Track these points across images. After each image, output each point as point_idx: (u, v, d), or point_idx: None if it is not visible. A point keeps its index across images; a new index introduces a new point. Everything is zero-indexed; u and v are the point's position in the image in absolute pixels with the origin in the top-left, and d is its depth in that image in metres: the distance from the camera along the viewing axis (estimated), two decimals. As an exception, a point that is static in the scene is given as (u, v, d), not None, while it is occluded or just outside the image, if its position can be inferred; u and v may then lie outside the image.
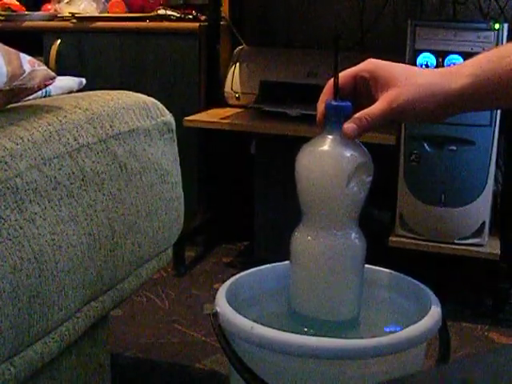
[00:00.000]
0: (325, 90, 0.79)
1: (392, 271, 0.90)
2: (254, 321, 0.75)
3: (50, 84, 0.94)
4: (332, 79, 0.77)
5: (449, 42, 1.71)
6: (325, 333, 0.77)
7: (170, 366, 1.53)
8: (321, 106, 0.78)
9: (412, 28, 1.74)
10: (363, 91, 0.78)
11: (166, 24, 2.17)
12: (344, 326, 0.81)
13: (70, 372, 1.02)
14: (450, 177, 1.75)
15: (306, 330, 0.79)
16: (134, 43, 2.18)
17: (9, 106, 0.91)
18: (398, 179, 1.81)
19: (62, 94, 1.10)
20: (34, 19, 2.31)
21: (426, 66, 1.74)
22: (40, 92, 1.00)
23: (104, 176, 0.94)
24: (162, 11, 2.19)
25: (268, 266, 0.92)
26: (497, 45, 1.67)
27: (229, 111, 2.11)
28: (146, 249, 1.06)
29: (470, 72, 0.74)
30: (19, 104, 0.94)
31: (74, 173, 0.87)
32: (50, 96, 1.07)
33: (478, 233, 1.77)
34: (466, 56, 1.68)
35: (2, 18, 2.30)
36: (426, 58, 1.74)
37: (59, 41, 2.22)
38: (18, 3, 2.39)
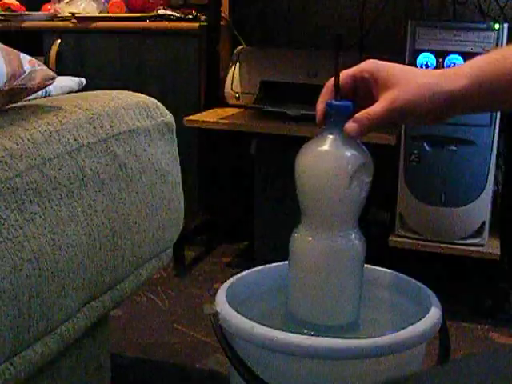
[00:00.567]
0: (324, 90, 0.79)
1: (392, 271, 0.90)
2: (254, 321, 0.75)
3: (50, 84, 0.94)
4: (331, 79, 0.77)
5: (449, 42, 1.71)
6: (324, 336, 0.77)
7: (170, 365, 1.53)
8: (320, 106, 0.78)
9: (412, 28, 1.74)
10: (363, 91, 0.78)
11: (165, 24, 2.17)
12: (344, 331, 0.80)
13: (70, 372, 1.02)
14: (450, 177, 1.75)
15: (305, 331, 0.79)
16: (134, 43, 2.18)
17: (9, 106, 0.91)
18: (398, 179, 1.81)
19: (62, 93, 1.10)
20: (34, 19, 2.31)
21: (426, 65, 1.74)
22: (40, 92, 1.00)
23: (104, 176, 0.94)
24: (162, 11, 2.19)
25: (268, 266, 0.92)
26: (497, 45, 1.67)
27: (229, 111, 2.11)
28: (145, 249, 1.06)
29: (469, 73, 0.74)
30: (19, 104, 0.94)
31: (73, 173, 0.87)
32: (50, 96, 1.07)
33: (478, 233, 1.77)
34: (466, 56, 1.68)
35: (2, 18, 2.30)
36: (425, 57, 1.74)
37: (59, 41, 2.22)
38: (18, 3, 2.39)
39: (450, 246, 1.79)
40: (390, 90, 0.75)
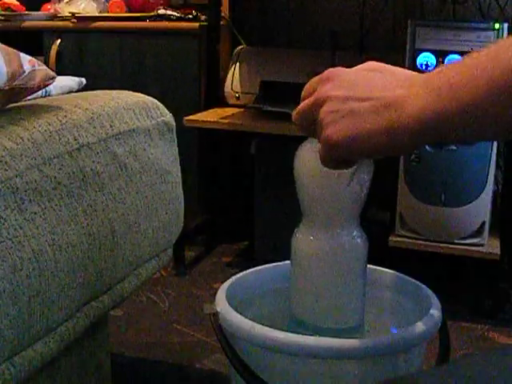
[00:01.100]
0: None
1: (392, 271, 0.90)
2: (254, 321, 0.75)
3: (50, 84, 0.94)
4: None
5: (449, 42, 1.71)
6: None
7: (170, 365, 1.53)
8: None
9: (412, 28, 1.74)
10: None
11: (165, 24, 2.17)
12: (348, 334, 0.79)
13: (70, 372, 1.02)
14: (450, 177, 1.75)
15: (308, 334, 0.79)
16: (133, 43, 2.18)
17: (9, 106, 0.91)
18: (398, 179, 1.81)
19: (62, 93, 1.10)
20: (34, 19, 2.31)
21: (426, 65, 1.74)
22: (40, 92, 1.00)
23: (104, 176, 0.94)
24: (162, 11, 2.19)
25: (268, 265, 0.92)
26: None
27: (229, 111, 2.11)
28: (145, 249, 1.06)
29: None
30: (19, 104, 0.94)
31: (74, 173, 0.87)
32: (50, 96, 1.07)
33: (478, 233, 1.77)
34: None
35: (2, 17, 2.30)
36: (425, 57, 1.74)
37: (59, 41, 2.22)
38: (17, 3, 2.39)
39: (450, 245, 1.79)
40: None
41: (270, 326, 0.73)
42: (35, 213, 0.79)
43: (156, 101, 1.15)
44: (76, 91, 1.15)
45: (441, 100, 0.52)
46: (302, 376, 0.75)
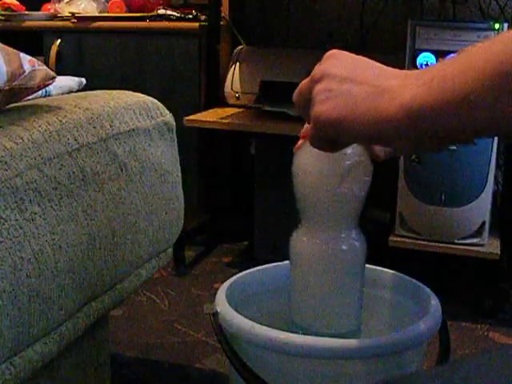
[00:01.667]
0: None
1: (392, 271, 0.90)
2: (254, 321, 0.75)
3: (50, 84, 0.94)
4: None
5: (449, 42, 1.71)
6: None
7: (170, 365, 1.53)
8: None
9: (412, 28, 1.74)
10: None
11: (166, 24, 2.17)
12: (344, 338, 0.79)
13: (70, 372, 1.02)
14: (450, 177, 1.75)
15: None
16: (134, 43, 2.18)
17: (9, 106, 0.91)
18: (398, 179, 1.81)
19: (62, 93, 1.10)
20: (34, 19, 2.32)
21: (426, 65, 1.74)
22: (40, 92, 1.00)
23: (104, 176, 0.94)
24: (162, 11, 2.19)
25: (268, 265, 0.92)
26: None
27: (229, 111, 2.11)
28: (145, 249, 1.06)
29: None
30: (19, 104, 0.94)
31: (74, 173, 0.87)
32: (50, 96, 1.07)
33: (478, 233, 1.77)
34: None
35: (2, 17, 2.30)
36: (425, 57, 1.74)
37: (59, 41, 2.22)
38: (18, 3, 2.39)
39: (450, 245, 1.79)
40: None
41: (270, 326, 0.73)
42: (35, 213, 0.79)
43: (156, 101, 1.15)
44: (76, 91, 1.15)
45: (431, 91, 0.51)
46: (302, 376, 0.75)
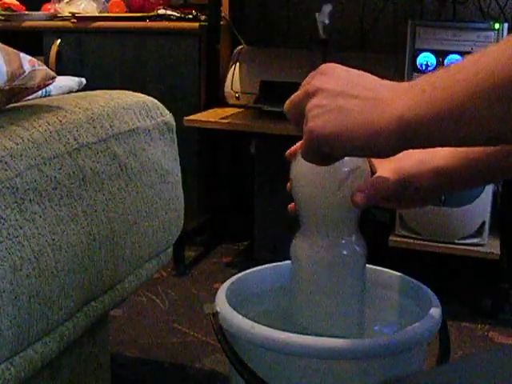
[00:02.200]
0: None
1: (392, 271, 0.90)
2: (254, 320, 0.75)
3: (50, 84, 0.94)
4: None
5: (449, 42, 1.71)
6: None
7: (170, 365, 1.53)
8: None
9: (412, 28, 1.74)
10: None
11: (166, 24, 2.17)
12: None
13: (70, 372, 1.02)
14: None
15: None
16: (134, 43, 2.18)
17: (9, 106, 0.91)
18: (398, 179, 1.80)
19: (62, 93, 1.10)
20: (34, 19, 2.32)
21: (426, 65, 1.74)
22: (40, 92, 1.00)
23: (104, 176, 0.94)
24: (162, 11, 2.19)
25: (268, 265, 0.92)
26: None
27: (229, 111, 2.11)
28: (145, 249, 1.06)
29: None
30: (19, 104, 0.94)
31: (74, 173, 0.87)
32: (50, 96, 1.07)
33: (478, 233, 1.77)
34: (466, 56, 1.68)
35: (2, 17, 2.30)
36: (425, 57, 1.74)
37: (59, 41, 2.22)
38: (18, 3, 2.39)
39: (450, 245, 1.79)
40: (389, 161, 0.71)
41: (270, 326, 0.73)
42: (35, 213, 0.79)
43: (156, 101, 1.15)
44: (76, 91, 1.15)
45: (421, 102, 0.52)
46: (302, 376, 0.75)
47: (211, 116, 2.04)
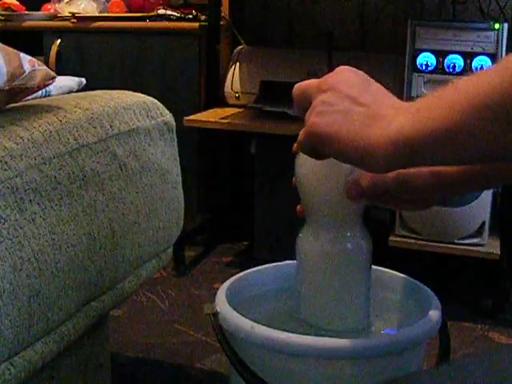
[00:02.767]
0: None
1: (392, 271, 0.90)
2: (255, 321, 0.75)
3: (50, 84, 0.94)
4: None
5: (449, 42, 1.71)
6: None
7: (170, 365, 1.53)
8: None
9: (412, 28, 1.74)
10: None
11: (166, 24, 2.17)
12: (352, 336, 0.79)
13: (70, 372, 1.02)
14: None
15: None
16: (134, 43, 2.18)
17: (9, 106, 0.91)
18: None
19: (62, 93, 1.10)
20: (34, 19, 2.32)
21: (426, 65, 1.74)
22: (40, 92, 1.00)
23: (104, 176, 0.94)
24: (162, 11, 2.19)
25: (268, 265, 0.92)
26: (497, 45, 1.67)
27: (229, 111, 2.11)
28: (145, 249, 1.06)
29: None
30: (19, 104, 0.94)
31: (74, 173, 0.87)
32: (50, 96, 1.07)
33: (478, 233, 1.77)
34: (466, 56, 1.68)
35: (2, 17, 2.30)
36: (425, 57, 1.74)
37: (59, 41, 2.22)
38: (18, 3, 2.39)
39: (450, 245, 1.79)
40: None
41: (270, 326, 0.73)
42: (35, 213, 0.79)
43: (156, 101, 1.15)
44: (76, 91, 1.15)
45: (417, 121, 0.52)
46: (301, 376, 0.75)
47: (211, 116, 2.04)
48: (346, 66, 0.64)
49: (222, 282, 0.86)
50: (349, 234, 0.77)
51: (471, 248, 1.78)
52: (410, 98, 1.71)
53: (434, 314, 0.77)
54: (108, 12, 2.32)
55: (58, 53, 2.22)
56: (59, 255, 0.82)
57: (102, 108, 0.99)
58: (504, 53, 1.67)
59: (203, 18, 2.17)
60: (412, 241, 1.82)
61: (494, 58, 1.67)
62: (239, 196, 2.37)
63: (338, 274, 0.77)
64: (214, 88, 2.19)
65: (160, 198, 1.09)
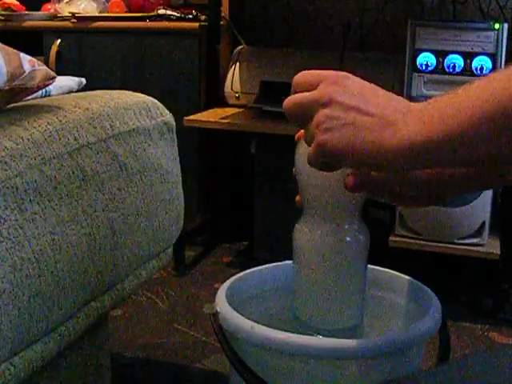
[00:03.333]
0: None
1: (392, 271, 0.90)
2: (254, 321, 0.75)
3: (50, 84, 0.94)
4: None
5: (449, 42, 1.71)
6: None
7: (170, 365, 1.53)
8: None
9: (412, 28, 1.74)
10: None
11: (166, 24, 2.17)
12: (347, 333, 0.79)
13: (70, 372, 1.02)
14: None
15: (309, 332, 0.79)
16: (134, 43, 2.18)
17: (9, 106, 0.91)
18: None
19: (62, 93, 1.10)
20: (34, 19, 2.32)
21: (426, 65, 1.74)
22: (40, 92, 1.00)
23: (104, 176, 0.94)
24: (162, 11, 2.19)
25: (268, 265, 0.92)
26: (497, 45, 1.67)
27: (229, 111, 2.11)
28: (146, 249, 1.06)
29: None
30: (19, 104, 0.94)
31: (73, 173, 0.87)
32: (50, 96, 1.07)
33: (478, 233, 1.78)
34: (466, 56, 1.68)
35: (2, 17, 2.30)
36: (425, 57, 1.74)
37: (59, 41, 2.22)
38: (18, 3, 2.39)
39: (449, 245, 1.79)
40: None
41: (270, 326, 0.73)
42: (35, 213, 0.79)
43: (156, 101, 1.15)
44: (76, 91, 1.15)
45: (431, 127, 0.53)
46: (302, 376, 0.75)
47: (211, 116, 2.04)
48: (340, 73, 0.63)
49: (222, 282, 0.86)
50: (346, 227, 0.77)
51: (471, 248, 1.78)
52: (410, 98, 1.71)
53: (434, 314, 0.77)
54: (108, 12, 2.32)
55: (58, 53, 2.22)
56: (59, 255, 0.82)
57: (101, 108, 0.99)
58: (504, 53, 1.68)
59: (203, 18, 2.17)
60: (412, 241, 1.82)
61: (493, 58, 1.67)
62: (239, 196, 2.37)
63: (333, 266, 0.77)
64: (214, 88, 2.19)
65: (160, 198, 1.09)
